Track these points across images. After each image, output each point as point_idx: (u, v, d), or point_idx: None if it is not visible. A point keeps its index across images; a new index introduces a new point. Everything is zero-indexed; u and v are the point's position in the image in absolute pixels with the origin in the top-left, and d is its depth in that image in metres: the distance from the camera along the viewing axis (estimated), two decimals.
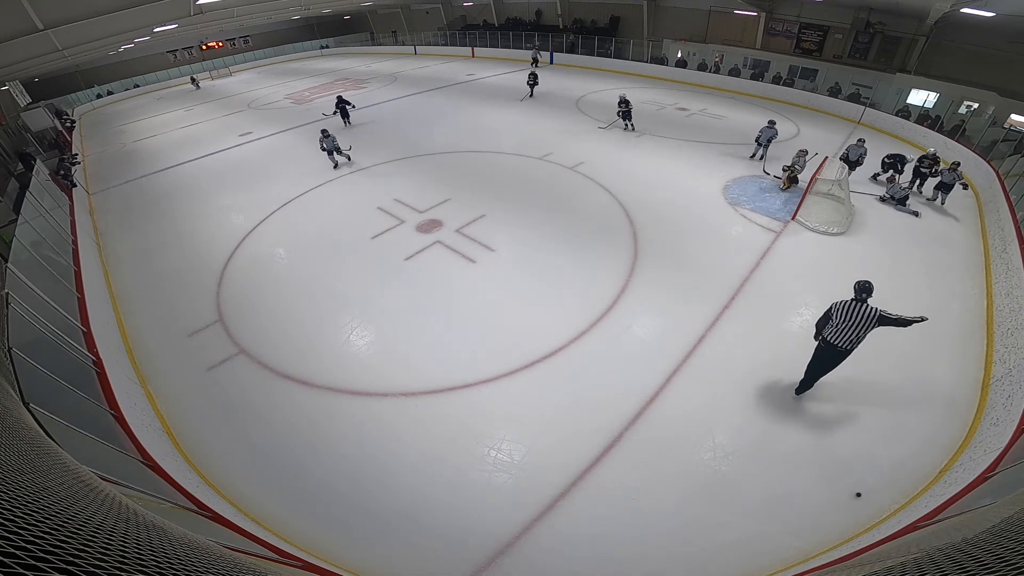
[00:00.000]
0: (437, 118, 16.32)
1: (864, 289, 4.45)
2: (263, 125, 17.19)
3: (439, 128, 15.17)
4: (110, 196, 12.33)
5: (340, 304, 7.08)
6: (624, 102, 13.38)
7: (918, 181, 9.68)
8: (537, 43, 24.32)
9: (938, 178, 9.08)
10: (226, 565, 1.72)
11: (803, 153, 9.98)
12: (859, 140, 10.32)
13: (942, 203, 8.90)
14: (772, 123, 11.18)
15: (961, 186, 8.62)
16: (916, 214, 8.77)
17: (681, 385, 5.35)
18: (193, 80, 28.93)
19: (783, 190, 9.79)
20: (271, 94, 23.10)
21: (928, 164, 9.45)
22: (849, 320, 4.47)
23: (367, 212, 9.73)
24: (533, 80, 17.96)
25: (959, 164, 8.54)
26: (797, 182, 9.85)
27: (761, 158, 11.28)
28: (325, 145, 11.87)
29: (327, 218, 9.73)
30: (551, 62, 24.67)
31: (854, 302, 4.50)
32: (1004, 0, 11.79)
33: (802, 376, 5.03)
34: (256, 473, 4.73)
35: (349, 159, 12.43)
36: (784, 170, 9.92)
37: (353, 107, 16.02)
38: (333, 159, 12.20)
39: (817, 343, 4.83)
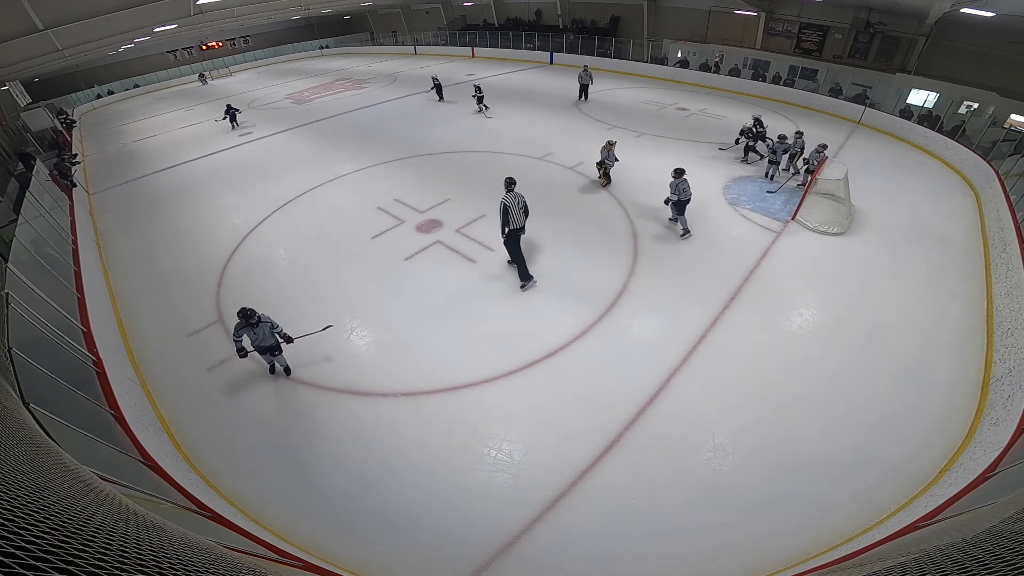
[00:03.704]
0: (437, 118, 16.33)
1: (514, 181, 6.50)
2: (263, 125, 17.19)
3: (439, 128, 15.18)
4: (110, 196, 12.32)
5: (340, 304, 7.08)
6: (478, 88, 16.14)
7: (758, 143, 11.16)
8: (586, 65, 18.25)
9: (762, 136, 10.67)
10: (226, 565, 1.72)
11: (611, 144, 9.91)
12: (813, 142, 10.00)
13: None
14: (800, 134, 10.16)
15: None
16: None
17: (681, 385, 5.35)
18: (201, 76, 29.18)
19: (604, 187, 10.11)
20: (271, 94, 23.10)
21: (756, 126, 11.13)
22: (519, 206, 6.44)
23: (367, 212, 9.73)
24: (478, 93, 16.16)
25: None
26: (610, 180, 10.17)
27: (786, 169, 10.32)
28: (251, 337, 5.30)
29: (327, 218, 9.73)
30: (551, 62, 24.66)
31: (512, 193, 6.40)
32: (1004, 0, 11.78)
33: (518, 269, 6.87)
34: (256, 473, 4.73)
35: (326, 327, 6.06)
36: (599, 166, 10.12)
37: (240, 111, 17.42)
38: (270, 362, 5.77)
39: (507, 238, 6.63)
